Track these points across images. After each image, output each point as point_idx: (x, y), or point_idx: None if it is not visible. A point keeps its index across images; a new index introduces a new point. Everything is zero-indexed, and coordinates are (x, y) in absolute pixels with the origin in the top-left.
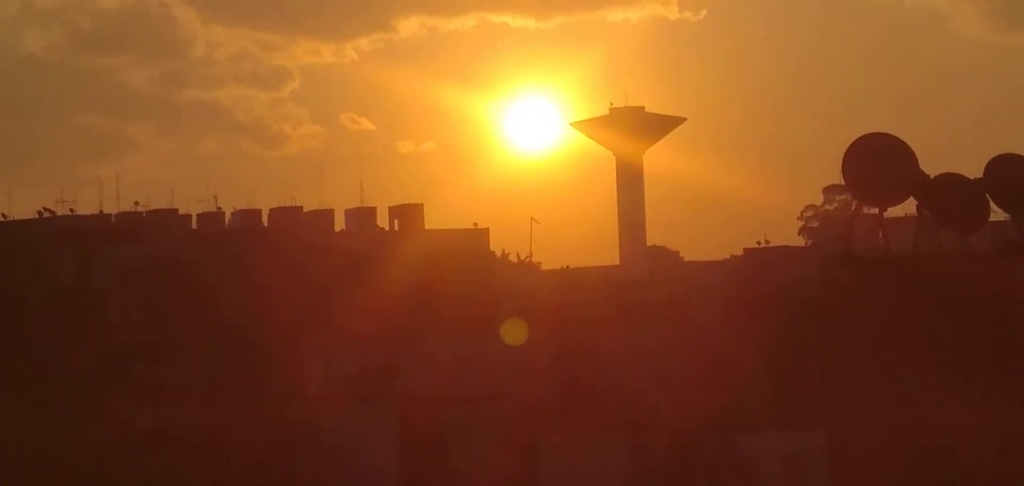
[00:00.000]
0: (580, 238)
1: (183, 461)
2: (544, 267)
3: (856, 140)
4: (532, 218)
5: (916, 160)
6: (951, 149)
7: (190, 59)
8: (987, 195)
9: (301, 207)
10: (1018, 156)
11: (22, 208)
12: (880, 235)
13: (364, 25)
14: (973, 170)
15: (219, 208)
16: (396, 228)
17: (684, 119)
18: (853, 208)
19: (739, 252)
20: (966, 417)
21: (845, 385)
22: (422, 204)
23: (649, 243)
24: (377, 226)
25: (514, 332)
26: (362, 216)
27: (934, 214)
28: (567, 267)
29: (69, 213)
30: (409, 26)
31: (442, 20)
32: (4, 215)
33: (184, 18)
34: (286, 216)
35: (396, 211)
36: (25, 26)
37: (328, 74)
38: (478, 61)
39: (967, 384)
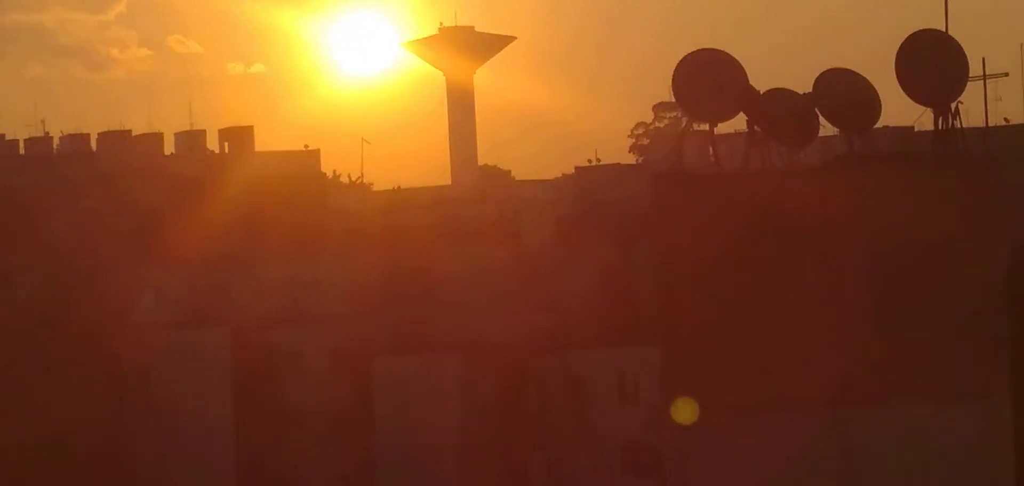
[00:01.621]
0: (411, 159)
1: (12, 393)
2: (375, 188)
3: (685, 56)
4: (363, 139)
5: (746, 76)
6: (780, 64)
7: None
8: (816, 110)
9: (130, 131)
10: (846, 70)
11: None
12: (710, 151)
13: None
14: (802, 85)
15: (47, 133)
16: (226, 151)
17: (514, 38)
18: (683, 125)
19: (570, 171)
20: (798, 336)
21: (677, 302)
22: (252, 126)
23: (480, 163)
24: (207, 149)
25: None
26: (191, 139)
27: (764, 130)
28: (398, 187)
29: None
30: None
31: None
32: None
33: None
34: (115, 140)
35: (226, 134)
36: None
37: None
38: None
39: (796, 299)
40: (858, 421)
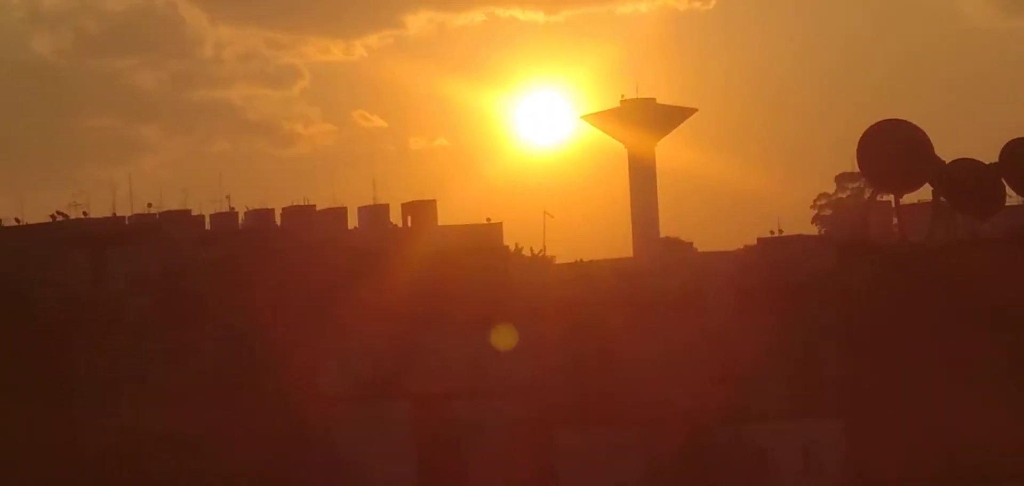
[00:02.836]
0: (593, 231)
1: (194, 464)
2: (557, 261)
3: (870, 127)
4: (545, 212)
5: (931, 146)
6: (965, 134)
7: (199, 59)
8: (1003, 179)
9: (314, 206)
10: None
11: (35, 213)
12: (895, 222)
13: (373, 22)
14: (988, 155)
15: (232, 208)
16: (409, 225)
17: (695, 110)
18: (867, 196)
19: (753, 242)
20: (982, 408)
21: (861, 373)
22: (435, 200)
23: (662, 235)
24: (390, 223)
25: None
26: (375, 213)
27: (950, 200)
28: (580, 260)
29: (82, 216)
30: (417, 22)
31: (450, 15)
32: (18, 220)
33: (191, 18)
34: (299, 215)
35: (409, 207)
36: (32, 29)
37: (338, 72)
38: (487, 55)
39: (983, 376)
40: None
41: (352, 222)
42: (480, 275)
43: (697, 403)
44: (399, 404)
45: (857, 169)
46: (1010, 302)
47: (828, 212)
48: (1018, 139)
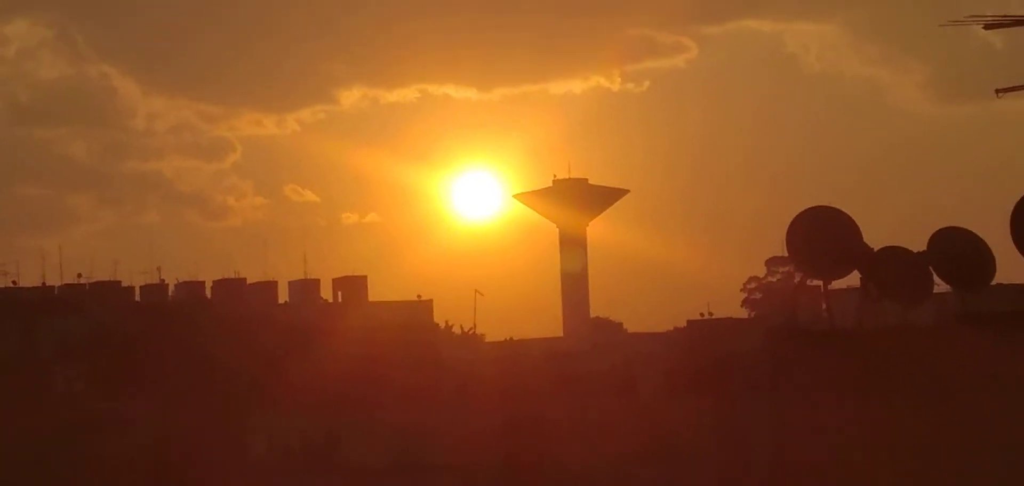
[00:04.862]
0: (524, 310)
1: None
2: (488, 339)
3: (800, 213)
4: (476, 290)
5: (860, 233)
6: (894, 222)
7: (131, 130)
8: (930, 268)
9: (245, 279)
10: (961, 229)
11: None
12: (824, 307)
13: (306, 97)
14: (916, 243)
15: (162, 280)
16: (340, 300)
17: (627, 191)
18: (797, 280)
19: (682, 324)
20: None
21: (790, 458)
22: (366, 276)
23: (593, 315)
24: (321, 298)
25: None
26: (306, 288)
27: (878, 287)
28: (511, 339)
29: (12, 285)
30: (351, 97)
31: (383, 92)
32: None
33: (124, 89)
34: (230, 288)
35: (339, 283)
36: None
37: (271, 145)
38: (421, 132)
39: (911, 459)
40: None
41: (283, 296)
42: (410, 351)
43: (625, 483)
44: (329, 479)
45: (787, 254)
46: (939, 386)
47: (758, 295)
48: (946, 228)
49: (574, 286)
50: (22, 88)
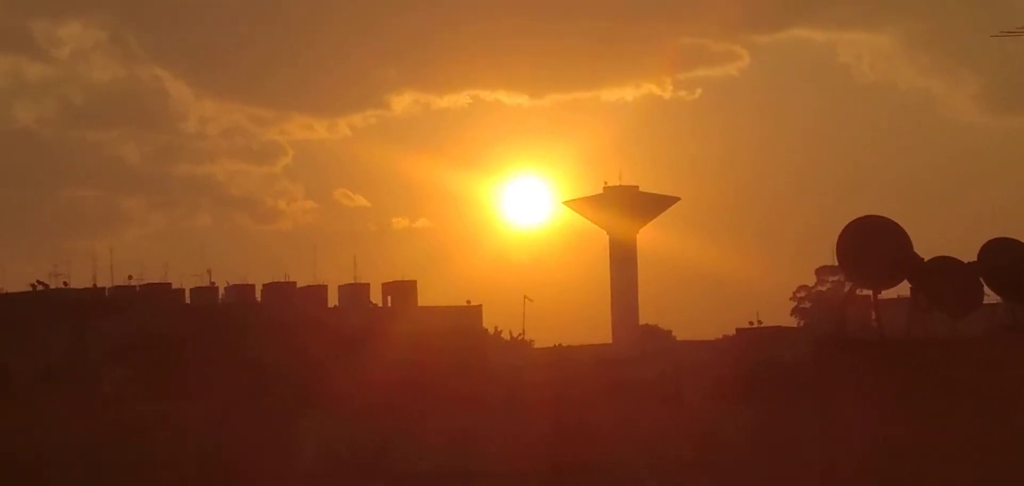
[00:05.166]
0: (573, 316)
1: None
2: (537, 345)
3: (850, 222)
4: (525, 296)
5: (910, 243)
6: (945, 232)
7: (183, 133)
8: (980, 279)
9: (294, 283)
10: (1011, 240)
11: (16, 281)
12: (873, 317)
13: (357, 101)
14: (967, 253)
15: (212, 283)
16: (389, 304)
17: (678, 199)
18: (846, 289)
19: (731, 332)
20: None
21: (838, 466)
22: (415, 281)
23: (641, 322)
24: (370, 302)
25: None
26: (355, 292)
27: (928, 297)
28: (559, 345)
29: (63, 286)
30: (402, 102)
31: (435, 97)
32: None
33: (176, 92)
34: (279, 291)
35: (389, 287)
36: (16, 99)
37: (322, 150)
38: (472, 138)
39: (959, 468)
40: None
41: (332, 300)
42: (459, 357)
43: None
44: (378, 485)
45: (837, 263)
46: (986, 397)
47: (807, 304)
48: (996, 239)
49: (623, 293)
50: (75, 90)
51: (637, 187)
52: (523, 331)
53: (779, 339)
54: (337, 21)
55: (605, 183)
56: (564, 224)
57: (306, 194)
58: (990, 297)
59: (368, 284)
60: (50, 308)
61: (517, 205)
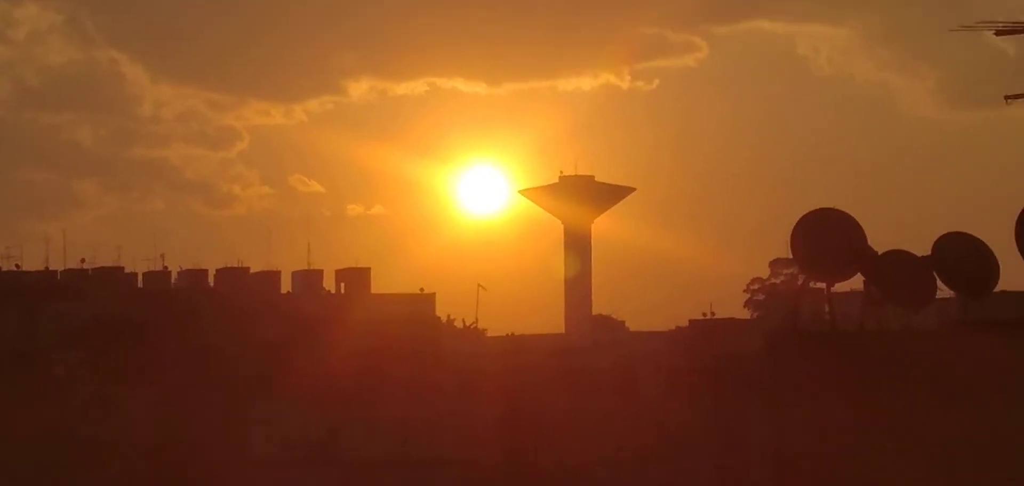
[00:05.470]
0: (526, 305)
1: None
2: (490, 334)
3: (804, 215)
4: (479, 285)
5: (864, 236)
6: (899, 225)
7: (138, 117)
8: (934, 272)
9: (248, 268)
10: (964, 234)
11: None
12: (826, 309)
13: (314, 87)
14: (921, 247)
15: (165, 267)
16: (342, 291)
17: (633, 189)
18: (800, 282)
19: (685, 323)
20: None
21: (790, 459)
22: (369, 268)
23: (595, 312)
24: (323, 289)
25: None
26: (309, 278)
27: (881, 290)
28: (512, 334)
29: (15, 269)
30: (359, 89)
31: (392, 84)
32: None
33: (132, 76)
34: (233, 277)
35: (343, 274)
36: None
37: (277, 135)
38: (429, 125)
39: (912, 461)
40: None
41: (285, 286)
42: (412, 345)
43: (625, 481)
44: (328, 471)
45: (791, 256)
46: (940, 384)
47: (761, 297)
48: (950, 233)
49: (577, 282)
50: (30, 72)
51: (593, 177)
52: (476, 320)
53: (732, 331)
54: (294, 6)
55: (561, 172)
56: (519, 213)
57: (261, 180)
58: (943, 291)
59: (322, 271)
60: (1, 291)
61: (473, 193)
